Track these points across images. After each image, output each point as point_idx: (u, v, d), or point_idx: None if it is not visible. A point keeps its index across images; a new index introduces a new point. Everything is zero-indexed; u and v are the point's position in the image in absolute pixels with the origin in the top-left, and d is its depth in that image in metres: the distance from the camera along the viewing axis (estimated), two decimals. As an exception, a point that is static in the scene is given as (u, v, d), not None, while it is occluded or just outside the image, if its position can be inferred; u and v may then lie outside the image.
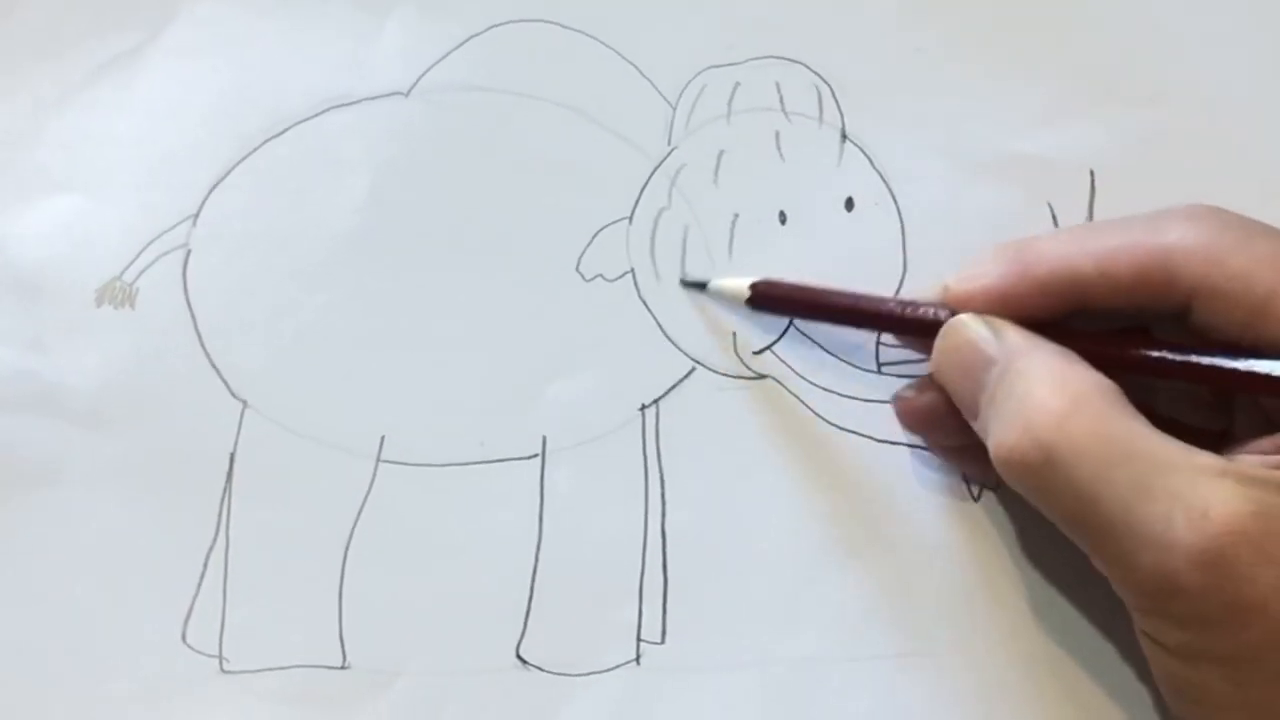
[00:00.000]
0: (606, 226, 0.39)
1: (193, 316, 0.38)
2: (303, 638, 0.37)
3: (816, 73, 0.39)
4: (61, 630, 0.37)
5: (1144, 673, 0.37)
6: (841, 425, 0.38)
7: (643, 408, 0.38)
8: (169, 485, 0.38)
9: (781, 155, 0.39)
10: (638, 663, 0.37)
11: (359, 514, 0.38)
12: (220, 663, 0.37)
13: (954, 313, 0.34)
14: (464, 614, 0.37)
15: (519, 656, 0.37)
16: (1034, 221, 0.39)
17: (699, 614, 0.38)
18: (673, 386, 0.38)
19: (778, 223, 0.39)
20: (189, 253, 0.39)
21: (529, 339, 0.38)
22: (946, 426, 0.35)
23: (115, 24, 0.40)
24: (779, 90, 0.39)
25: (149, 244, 0.39)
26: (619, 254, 0.39)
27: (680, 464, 0.38)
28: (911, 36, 0.39)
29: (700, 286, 0.38)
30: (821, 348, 0.38)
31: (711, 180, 0.39)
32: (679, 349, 0.38)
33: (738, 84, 0.39)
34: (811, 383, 0.38)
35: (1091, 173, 0.39)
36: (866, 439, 0.38)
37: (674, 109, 0.39)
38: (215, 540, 0.38)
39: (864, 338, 0.38)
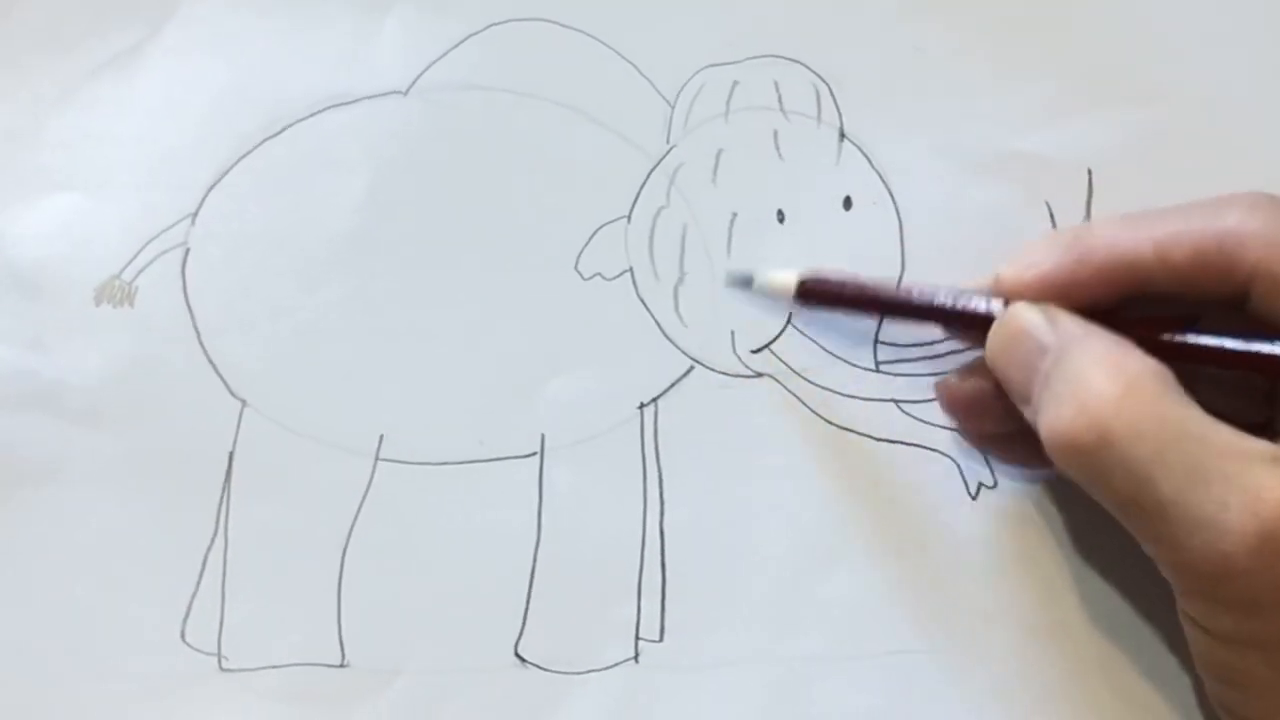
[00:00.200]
0: (605, 225, 0.39)
1: (192, 315, 0.38)
2: (301, 636, 0.37)
3: (815, 72, 0.39)
4: (61, 628, 0.37)
5: (1147, 668, 0.37)
6: (840, 424, 0.38)
7: (641, 406, 0.38)
8: (168, 484, 0.38)
9: (780, 154, 0.39)
10: (636, 661, 0.37)
11: (358, 513, 0.38)
12: (219, 661, 0.37)
13: (1005, 304, 0.34)
14: (463, 612, 0.37)
15: (518, 655, 0.37)
16: (1032, 220, 0.39)
17: (697, 612, 0.38)
18: (671, 385, 0.38)
19: (776, 222, 0.39)
20: (188, 251, 0.39)
21: (528, 337, 0.38)
22: (990, 413, 0.36)
23: (115, 23, 0.40)
24: (777, 89, 0.39)
25: (148, 243, 0.39)
26: (617, 253, 0.39)
27: (679, 462, 0.38)
28: (910, 36, 0.39)
29: (746, 283, 0.38)
30: (820, 346, 0.38)
31: (710, 179, 0.39)
32: (677, 347, 0.38)
33: (736, 83, 0.39)
34: (810, 381, 0.38)
35: (1089, 172, 0.39)
36: (865, 437, 0.38)
37: (672, 108, 0.39)
38: (214, 539, 0.38)
39: (863, 336, 0.38)
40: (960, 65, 0.39)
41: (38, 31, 0.40)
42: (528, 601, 0.38)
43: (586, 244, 0.39)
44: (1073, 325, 0.33)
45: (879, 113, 0.39)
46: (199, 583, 0.38)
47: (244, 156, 0.39)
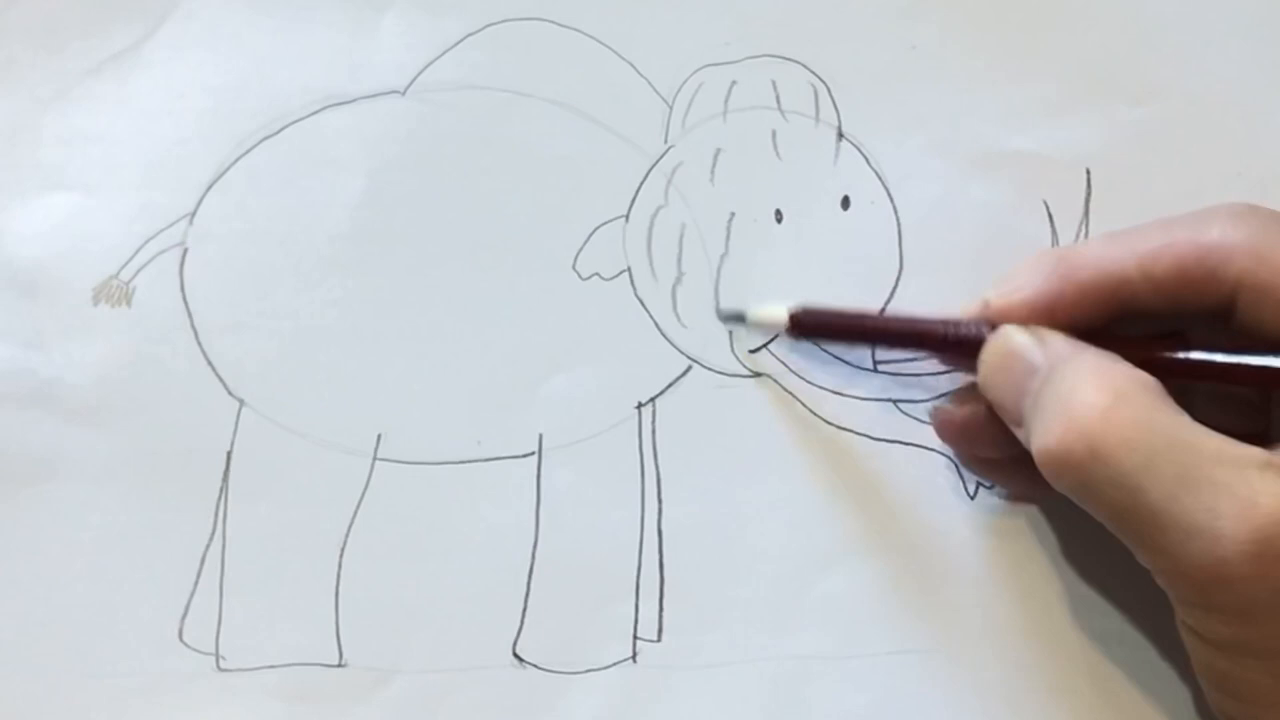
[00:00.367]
0: (603, 225, 0.39)
1: (189, 315, 0.38)
2: (299, 636, 0.37)
3: (813, 71, 0.39)
4: (58, 628, 0.37)
5: (1145, 667, 0.37)
6: (837, 423, 0.38)
7: (639, 406, 0.38)
8: (166, 483, 0.38)
9: (778, 154, 0.39)
10: (634, 660, 0.37)
11: (355, 512, 0.38)
12: (217, 661, 0.37)
13: (995, 328, 0.34)
14: (460, 612, 0.37)
15: (515, 654, 0.37)
16: (1030, 219, 0.39)
17: (695, 612, 0.38)
18: (669, 385, 0.38)
19: (774, 221, 0.39)
20: (185, 251, 0.39)
21: (526, 337, 0.38)
22: (986, 439, 0.36)
23: (113, 22, 0.40)
24: (775, 89, 0.39)
25: (146, 242, 0.39)
26: (615, 252, 0.39)
27: (676, 462, 0.38)
28: (907, 35, 0.39)
29: (739, 319, 0.38)
30: (818, 346, 0.38)
31: (708, 179, 0.39)
32: (675, 347, 0.38)
33: (734, 82, 0.39)
34: (808, 381, 0.38)
35: (1087, 170, 0.39)
36: (862, 437, 0.38)
37: (670, 107, 0.39)
38: (212, 538, 0.38)
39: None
40: (958, 64, 0.39)
41: (36, 31, 0.40)
42: (525, 601, 0.38)
43: (584, 244, 0.39)
44: (1061, 344, 0.33)
45: (877, 112, 0.39)
46: (196, 582, 0.38)
47: (242, 156, 0.39)
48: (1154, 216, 0.38)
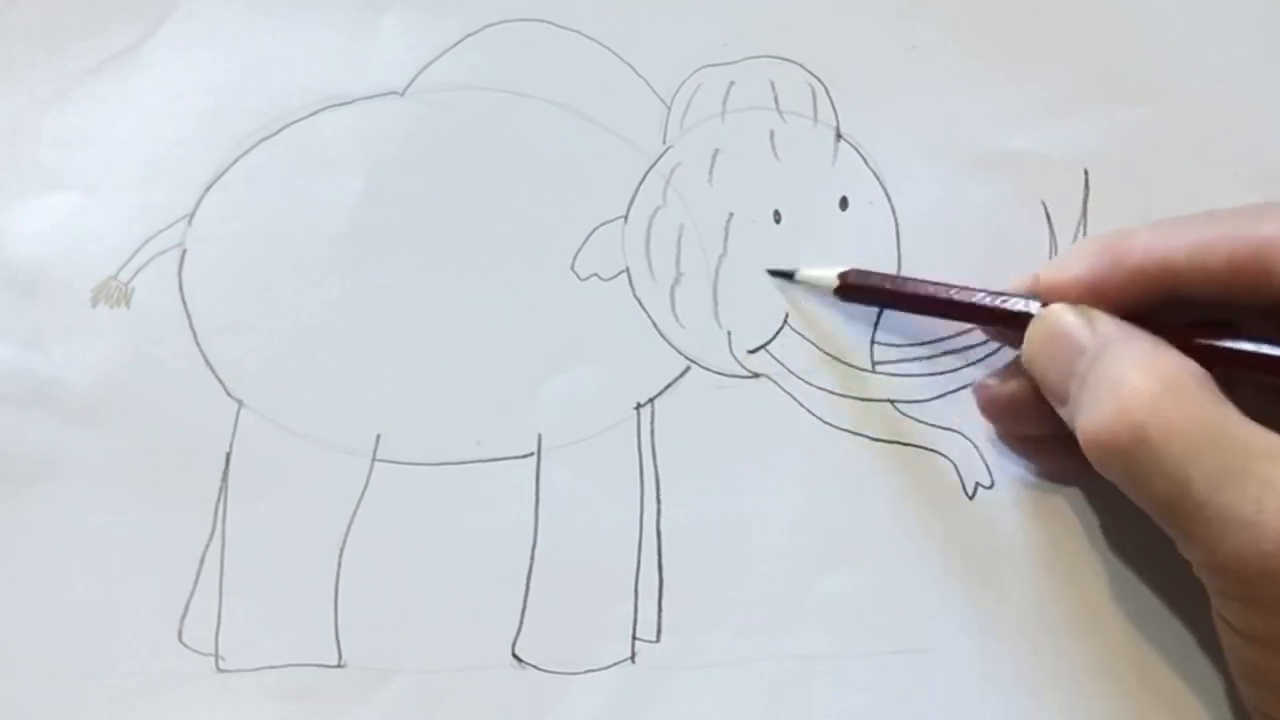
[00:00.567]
0: (601, 225, 0.39)
1: (188, 316, 0.39)
2: (298, 636, 0.37)
3: (811, 72, 0.39)
4: (56, 628, 0.37)
5: (1143, 666, 0.37)
6: (836, 424, 0.38)
7: (638, 406, 0.38)
8: (165, 484, 0.38)
9: (776, 154, 0.39)
10: (633, 661, 0.37)
11: (354, 513, 0.38)
12: (216, 661, 0.37)
13: (1044, 304, 0.34)
14: (459, 612, 0.38)
15: (514, 655, 0.37)
16: (1028, 219, 0.39)
17: (694, 612, 0.38)
18: (668, 385, 0.38)
19: (772, 222, 0.39)
20: (184, 252, 0.39)
21: (524, 338, 0.38)
22: (1027, 416, 0.36)
23: (112, 22, 0.40)
24: (774, 89, 0.39)
25: (145, 243, 0.39)
26: (614, 253, 0.39)
27: (675, 462, 0.38)
28: (906, 35, 0.39)
29: (788, 275, 0.38)
30: (816, 346, 0.38)
31: (706, 179, 0.39)
32: (674, 348, 0.39)
33: (732, 83, 0.39)
34: (807, 382, 0.38)
35: (1085, 171, 0.39)
36: (861, 437, 0.38)
37: (669, 108, 0.39)
38: (211, 539, 0.38)
39: (859, 336, 0.38)
40: (956, 64, 0.39)
41: (35, 31, 0.40)
42: (525, 601, 0.38)
43: (583, 244, 0.39)
44: (1110, 327, 0.33)
45: (875, 112, 0.39)
46: (196, 583, 0.38)
47: (241, 156, 0.39)
48: (1153, 217, 0.38)
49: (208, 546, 0.38)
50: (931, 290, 0.36)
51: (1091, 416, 0.31)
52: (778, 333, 0.38)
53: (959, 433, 0.38)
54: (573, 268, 0.39)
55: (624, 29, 0.39)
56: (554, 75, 0.39)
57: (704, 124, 0.39)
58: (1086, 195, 0.39)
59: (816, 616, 0.38)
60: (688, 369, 0.38)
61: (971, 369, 0.38)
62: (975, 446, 0.38)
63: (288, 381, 0.38)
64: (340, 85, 0.39)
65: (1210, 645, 0.37)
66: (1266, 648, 0.31)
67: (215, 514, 0.38)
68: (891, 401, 0.38)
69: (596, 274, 0.39)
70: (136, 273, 0.39)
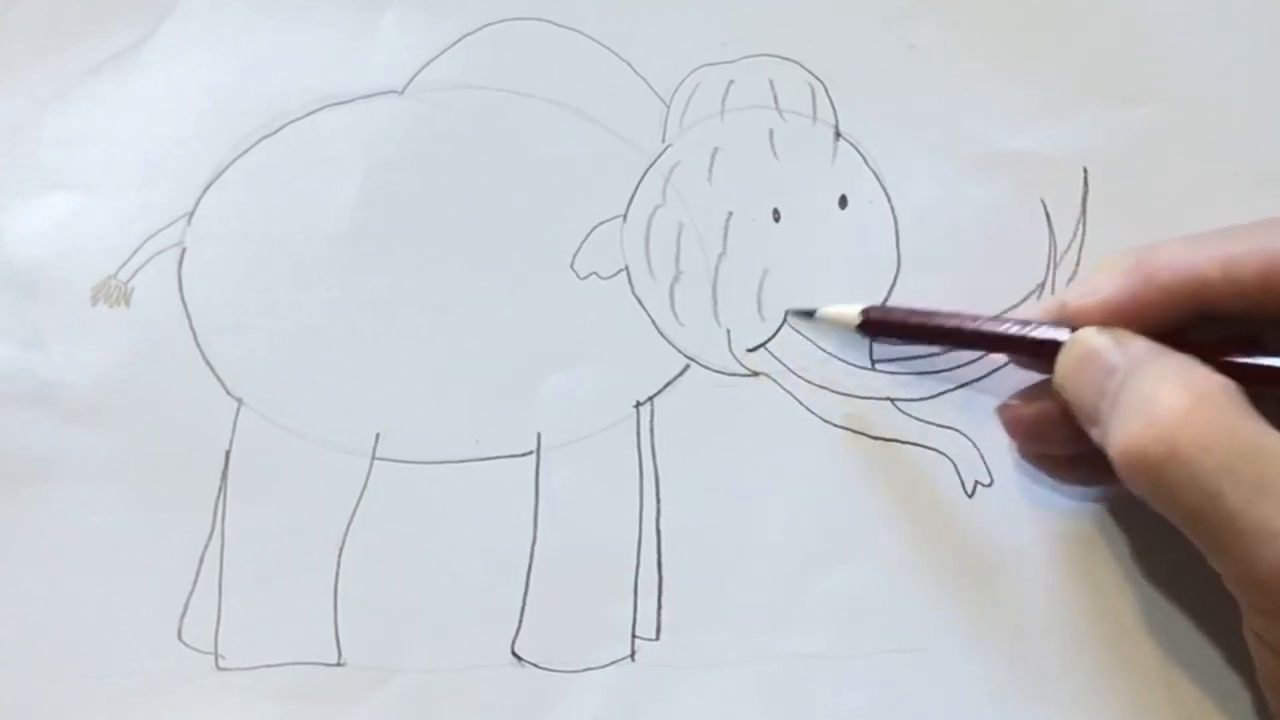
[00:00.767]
0: (601, 224, 0.39)
1: (188, 315, 0.39)
2: (298, 635, 0.37)
3: (810, 71, 0.39)
4: (56, 627, 0.37)
5: (1145, 666, 0.37)
6: (836, 422, 0.38)
7: (637, 405, 0.38)
8: (164, 483, 0.38)
9: (775, 153, 0.39)
10: (633, 659, 0.37)
11: (354, 512, 0.38)
12: (215, 660, 0.37)
13: (1072, 329, 0.34)
14: (459, 611, 0.38)
15: (514, 653, 0.37)
16: (1027, 218, 0.39)
17: (694, 611, 0.38)
18: (667, 384, 0.38)
19: (772, 220, 0.39)
20: (184, 251, 0.39)
21: (524, 337, 0.39)
22: (1055, 437, 0.36)
23: (112, 22, 0.40)
24: (773, 88, 0.39)
25: (145, 242, 0.39)
26: (613, 252, 0.39)
27: (675, 461, 0.38)
28: (905, 35, 0.39)
29: (808, 315, 0.38)
30: (815, 345, 0.38)
31: (706, 178, 0.39)
32: (673, 346, 0.39)
33: (732, 82, 0.39)
34: (806, 380, 0.38)
35: (1085, 169, 0.39)
36: (860, 436, 0.38)
37: (668, 107, 0.39)
38: (211, 538, 0.38)
39: (858, 335, 0.38)
40: (955, 64, 0.39)
41: (35, 31, 0.40)
42: (524, 600, 0.38)
43: (582, 243, 0.39)
44: (1140, 346, 0.33)
45: (875, 112, 0.39)
46: (195, 582, 0.38)
47: (240, 156, 0.39)
48: (1152, 216, 0.38)
49: (207, 545, 0.38)
50: (957, 323, 0.36)
51: (1123, 432, 0.31)
52: (777, 331, 0.38)
53: (959, 431, 0.38)
54: (572, 266, 0.39)
55: (623, 28, 0.39)
56: (553, 74, 0.39)
57: (703, 123, 0.39)
58: (1086, 194, 0.39)
59: (816, 615, 0.38)
60: (687, 367, 0.38)
61: (971, 367, 0.38)
62: (975, 445, 0.38)
63: (287, 380, 0.38)
64: (340, 85, 0.39)
65: (1228, 656, 0.37)
66: None
67: (215, 513, 0.38)
68: (891, 400, 0.38)
69: (596, 273, 0.39)
70: (136, 272, 0.39)
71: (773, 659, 0.37)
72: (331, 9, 0.40)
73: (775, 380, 0.38)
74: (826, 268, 0.39)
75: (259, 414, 0.38)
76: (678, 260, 0.39)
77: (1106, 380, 0.32)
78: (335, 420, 0.38)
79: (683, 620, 0.38)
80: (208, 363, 0.38)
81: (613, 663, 0.37)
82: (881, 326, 0.37)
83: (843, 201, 0.39)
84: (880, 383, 0.38)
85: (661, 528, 0.38)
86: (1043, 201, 0.39)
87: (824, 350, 0.38)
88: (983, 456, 0.38)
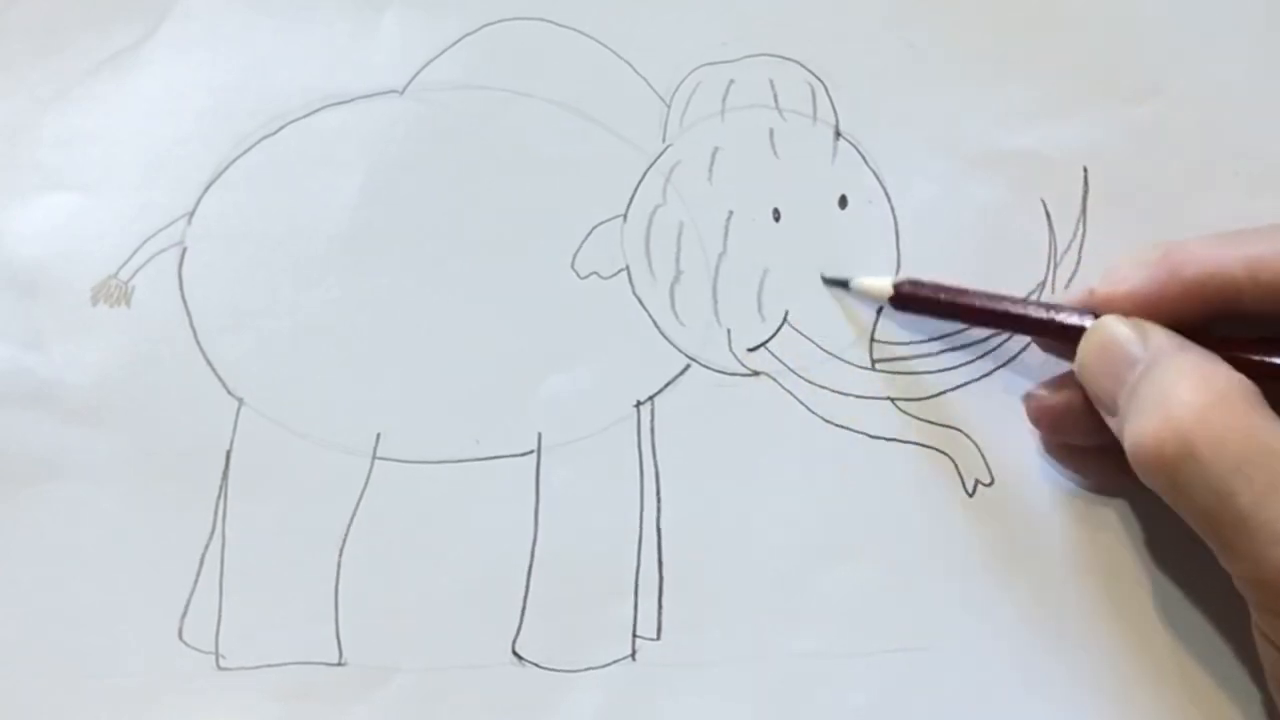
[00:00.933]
0: (601, 224, 0.39)
1: (188, 314, 0.39)
2: (299, 634, 0.37)
3: (810, 70, 0.39)
4: (57, 627, 0.37)
5: (1147, 666, 0.37)
6: (836, 422, 0.38)
7: (637, 404, 0.38)
8: (165, 483, 0.38)
9: (776, 152, 0.39)
10: (633, 659, 0.37)
11: (355, 511, 0.38)
12: (216, 660, 0.37)
13: (1097, 316, 0.34)
14: (460, 611, 0.38)
15: (515, 653, 0.37)
16: (1027, 218, 0.39)
17: (694, 610, 0.38)
18: (668, 383, 0.39)
19: (772, 220, 0.39)
20: (184, 251, 0.39)
21: (524, 336, 0.39)
22: (1078, 427, 0.36)
23: (112, 22, 0.40)
24: (773, 87, 0.39)
25: (145, 242, 0.39)
26: (614, 251, 0.39)
27: (675, 461, 0.38)
28: (905, 34, 0.39)
29: (843, 285, 0.38)
30: (816, 344, 0.38)
31: (706, 177, 0.39)
32: (674, 346, 0.39)
33: (732, 81, 0.39)
34: (806, 380, 0.38)
35: (1085, 169, 0.39)
36: (861, 435, 0.38)
37: (668, 106, 0.39)
38: (211, 537, 0.38)
39: (858, 334, 0.38)
40: (955, 63, 0.39)
41: (35, 30, 0.40)
42: (525, 600, 0.38)
43: (583, 243, 0.39)
44: (1163, 339, 0.33)
45: (874, 111, 0.39)
46: (196, 581, 0.38)
47: (241, 155, 0.39)
48: (1152, 215, 0.38)
49: (208, 545, 0.38)
50: (985, 303, 0.36)
51: (1139, 426, 0.31)
52: (777, 331, 0.38)
53: (959, 431, 0.38)
54: (572, 266, 0.39)
55: (623, 28, 0.39)
56: (553, 74, 0.39)
57: (703, 122, 0.39)
58: (1086, 194, 0.39)
59: (816, 615, 0.38)
60: (687, 367, 0.38)
61: (971, 366, 0.38)
62: (975, 444, 0.38)
63: (288, 380, 0.38)
64: (340, 84, 0.39)
65: (1239, 656, 0.37)
66: None
67: (215, 512, 0.38)
68: (891, 399, 0.38)
69: (596, 272, 0.39)
70: (136, 272, 0.39)
71: (773, 658, 0.37)
72: (331, 9, 0.40)
73: (775, 380, 0.38)
74: (826, 267, 0.39)
75: (260, 414, 0.38)
76: (678, 260, 0.39)
77: (1127, 371, 0.33)
78: (336, 420, 0.38)
79: (683, 620, 0.38)
80: (208, 362, 0.38)
81: (613, 662, 0.38)
82: (912, 300, 0.37)
83: (843, 201, 0.39)
84: (880, 383, 0.38)
85: (662, 527, 0.38)
86: (1043, 201, 0.39)
87: (824, 350, 0.38)
88: (983, 456, 0.38)
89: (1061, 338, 0.35)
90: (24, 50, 0.40)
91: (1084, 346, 0.34)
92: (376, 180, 0.39)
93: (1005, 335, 0.38)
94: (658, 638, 0.38)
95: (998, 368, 0.38)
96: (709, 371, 0.39)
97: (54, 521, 0.38)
